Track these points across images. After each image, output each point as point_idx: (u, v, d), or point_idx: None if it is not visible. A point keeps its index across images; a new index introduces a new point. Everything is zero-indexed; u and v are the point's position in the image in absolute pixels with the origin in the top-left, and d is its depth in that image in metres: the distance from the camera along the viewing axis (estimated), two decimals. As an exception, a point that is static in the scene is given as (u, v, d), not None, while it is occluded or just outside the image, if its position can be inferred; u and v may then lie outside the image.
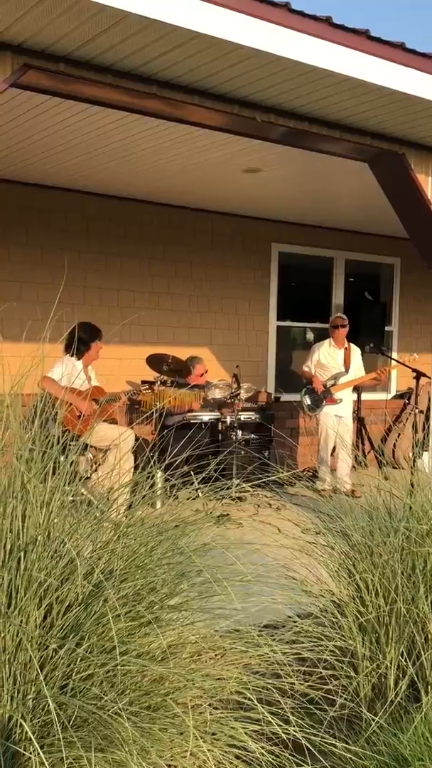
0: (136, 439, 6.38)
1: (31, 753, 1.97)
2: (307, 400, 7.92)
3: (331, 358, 7.90)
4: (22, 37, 3.86)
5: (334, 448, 7.87)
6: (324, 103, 4.74)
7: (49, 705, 2.13)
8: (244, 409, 7.63)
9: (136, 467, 5.75)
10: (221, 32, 3.83)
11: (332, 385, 7.80)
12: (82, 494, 2.92)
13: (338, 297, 9.82)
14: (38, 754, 1.90)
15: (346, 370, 7.86)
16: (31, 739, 1.97)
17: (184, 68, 4.24)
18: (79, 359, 6.38)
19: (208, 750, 2.28)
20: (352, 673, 3.22)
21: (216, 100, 4.63)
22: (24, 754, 2.03)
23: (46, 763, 1.88)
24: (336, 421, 7.79)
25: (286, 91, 4.55)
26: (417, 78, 4.55)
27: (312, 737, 2.48)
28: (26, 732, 1.99)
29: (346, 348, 7.97)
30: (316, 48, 4.15)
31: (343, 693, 3.10)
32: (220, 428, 7.44)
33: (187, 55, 4.07)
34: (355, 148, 5.41)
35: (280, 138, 5.30)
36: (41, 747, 2.04)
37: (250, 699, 2.42)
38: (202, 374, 7.98)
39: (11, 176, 7.13)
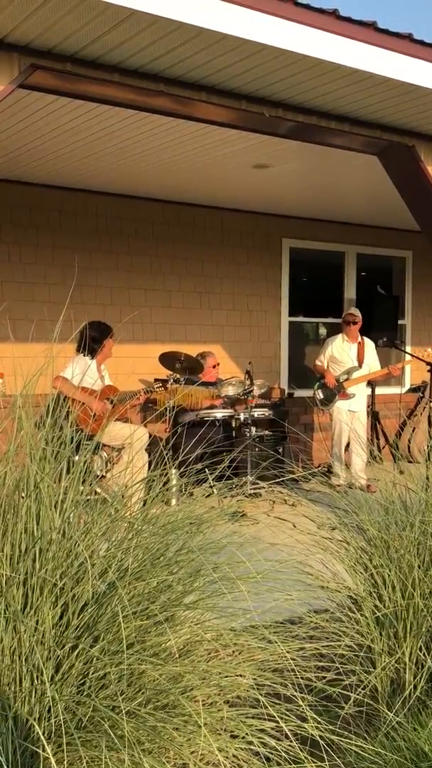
0: (150, 437, 6.38)
1: (47, 754, 1.97)
2: (320, 395, 7.90)
3: (344, 353, 7.87)
4: (29, 37, 3.86)
5: (348, 444, 7.84)
6: (332, 96, 4.72)
7: (66, 704, 2.14)
8: (258, 406, 7.61)
9: (149, 465, 5.76)
10: (226, 27, 3.81)
11: (345, 380, 7.77)
12: (97, 493, 2.92)
13: (350, 291, 9.79)
14: (53, 754, 1.90)
15: (360, 365, 7.83)
16: (48, 738, 1.97)
17: (191, 65, 4.23)
18: (92, 358, 6.38)
19: (220, 749, 2.27)
20: (370, 668, 3.21)
21: (224, 96, 4.62)
22: (41, 754, 2.03)
23: (55, 765, 1.88)
24: (349, 416, 7.76)
25: (293, 85, 4.53)
26: (425, 69, 4.52)
27: (330, 734, 2.47)
28: (43, 731, 1.99)
29: (359, 342, 7.93)
30: (322, 41, 4.13)
31: (361, 688, 3.09)
32: (233, 425, 7.43)
33: (193, 52, 4.06)
34: (365, 141, 5.38)
35: (289, 133, 5.28)
36: (58, 746, 2.04)
37: (266, 696, 2.41)
38: (214, 366, 7.97)
39: (21, 177, 7.15)
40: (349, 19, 4.24)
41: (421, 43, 4.52)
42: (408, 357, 8.73)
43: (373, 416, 8.53)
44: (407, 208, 5.81)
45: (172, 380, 6.97)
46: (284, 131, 5.24)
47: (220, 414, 7.41)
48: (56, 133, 5.65)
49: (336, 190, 7.79)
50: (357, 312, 8.01)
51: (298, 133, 5.26)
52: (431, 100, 4.77)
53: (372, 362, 7.97)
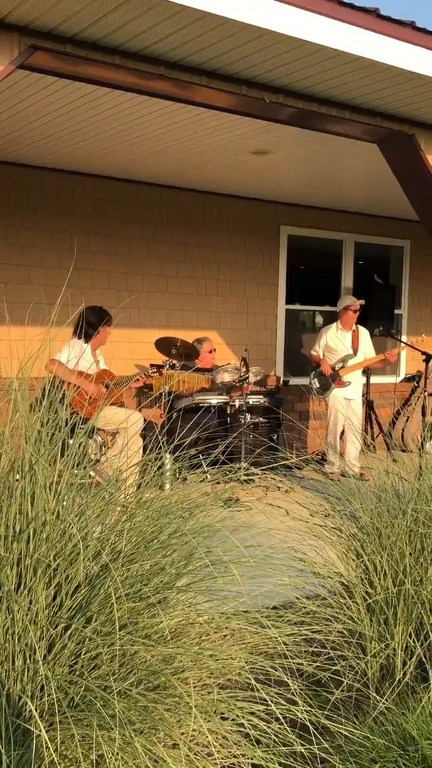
0: (145, 422, 6.39)
1: (39, 731, 1.99)
2: (316, 383, 7.93)
3: (338, 342, 7.89)
4: (29, 17, 3.84)
5: (342, 432, 7.87)
6: (333, 83, 4.70)
7: (58, 683, 2.15)
8: (253, 393, 7.63)
9: (144, 449, 5.78)
10: (229, 12, 3.79)
11: (341, 368, 7.79)
12: (91, 477, 2.93)
13: (348, 280, 9.79)
14: (45, 731, 1.92)
15: (354, 353, 7.84)
16: (40, 717, 1.99)
17: (192, 49, 4.21)
18: (87, 343, 6.38)
19: (210, 730, 2.29)
20: (360, 654, 3.23)
21: (224, 80, 4.60)
22: (33, 732, 2.05)
23: (48, 742, 1.90)
24: (345, 404, 7.78)
25: (294, 71, 4.51)
26: (427, 57, 4.50)
27: (320, 718, 2.50)
28: (35, 709, 2.01)
29: (353, 331, 7.95)
30: (324, 27, 4.11)
31: (351, 674, 3.11)
32: (228, 412, 7.45)
33: (195, 36, 4.04)
34: (365, 129, 5.36)
35: (289, 119, 5.26)
36: (50, 724, 2.06)
37: (257, 680, 2.43)
38: (210, 351, 7.98)
39: (19, 159, 7.12)
40: (351, 6, 4.23)
41: (423, 30, 4.50)
42: (404, 345, 8.74)
43: (368, 405, 8.56)
44: (406, 197, 5.81)
45: (167, 366, 6.98)
46: (284, 117, 5.22)
47: (215, 400, 7.42)
48: (55, 115, 5.63)
49: (335, 178, 7.78)
50: (360, 301, 8.02)
51: (299, 119, 5.24)
52: (432, 89, 4.76)
53: (367, 350, 7.98)
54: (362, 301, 8.03)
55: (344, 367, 7.80)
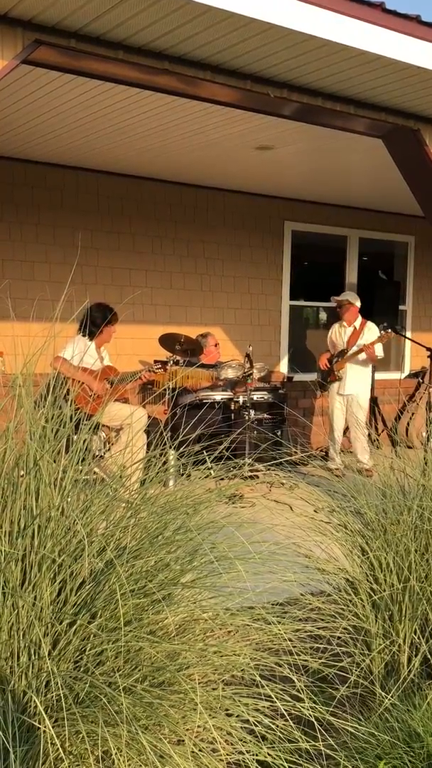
0: (149, 419, 6.38)
1: (45, 727, 1.99)
2: (319, 377, 7.98)
3: (339, 337, 7.93)
4: (33, 12, 3.83)
5: (347, 428, 7.86)
6: (338, 78, 4.68)
7: (63, 679, 2.15)
8: (257, 389, 7.62)
9: (148, 445, 5.77)
10: (232, 6, 3.78)
11: (336, 362, 7.80)
12: (95, 473, 2.92)
13: (352, 276, 9.76)
14: (50, 728, 1.91)
15: (348, 348, 7.85)
16: (45, 713, 1.99)
17: (197, 43, 4.19)
18: (91, 340, 6.37)
19: (215, 726, 2.29)
20: (366, 651, 3.23)
21: (229, 75, 4.59)
22: (38, 728, 2.04)
23: (54, 737, 1.90)
24: (342, 399, 7.76)
25: (299, 66, 4.49)
26: (432, 51, 4.49)
27: (325, 715, 2.49)
28: (39, 706, 2.00)
29: (354, 327, 7.93)
30: (329, 22, 4.09)
31: (356, 670, 3.11)
32: (232, 408, 7.44)
33: (200, 30, 4.02)
34: (370, 124, 5.34)
35: (293, 114, 5.25)
36: (55, 720, 2.06)
37: (262, 676, 2.43)
38: (215, 345, 7.97)
39: (23, 155, 7.11)
40: (356, 0, 4.20)
41: (428, 25, 4.48)
42: (383, 335, 8.65)
43: (372, 401, 8.54)
44: (410, 192, 5.79)
45: (171, 362, 6.97)
46: (288, 112, 5.21)
47: (219, 396, 7.42)
48: (59, 110, 5.61)
49: (339, 173, 7.76)
50: (343, 296, 7.98)
51: (303, 114, 5.23)
52: (437, 84, 4.74)
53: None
54: (336, 298, 8.04)
55: (338, 362, 7.81)
